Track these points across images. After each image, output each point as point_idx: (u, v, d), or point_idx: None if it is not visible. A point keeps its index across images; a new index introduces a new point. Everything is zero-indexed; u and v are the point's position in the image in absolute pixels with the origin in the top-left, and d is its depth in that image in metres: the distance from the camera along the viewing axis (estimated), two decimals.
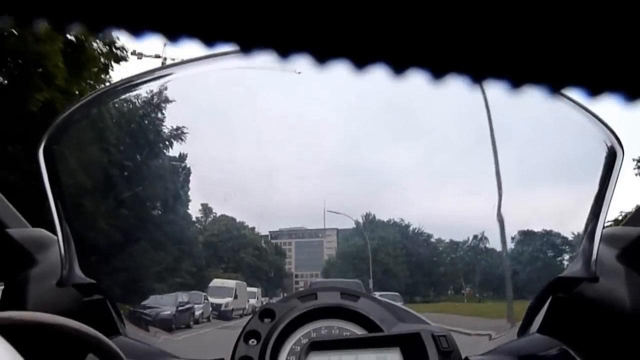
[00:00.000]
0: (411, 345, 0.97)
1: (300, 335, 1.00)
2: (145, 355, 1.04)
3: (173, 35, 0.20)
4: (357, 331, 1.02)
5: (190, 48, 0.21)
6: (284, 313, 1.02)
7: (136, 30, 0.20)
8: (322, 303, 1.05)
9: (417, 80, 0.21)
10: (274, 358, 0.95)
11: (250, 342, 0.97)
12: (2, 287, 1.00)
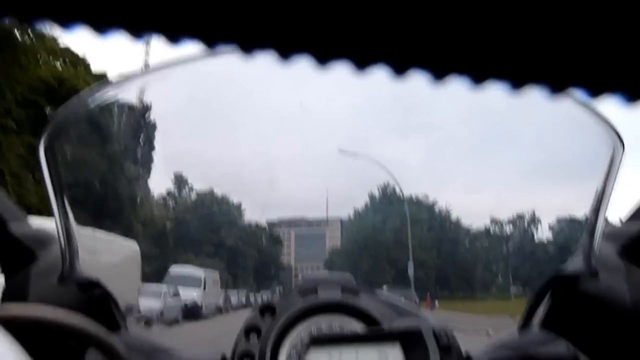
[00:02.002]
0: (412, 340, 0.97)
1: (300, 331, 1.01)
2: (147, 350, 1.04)
3: (174, 36, 0.20)
4: (358, 327, 1.02)
5: (191, 49, 0.21)
6: (284, 308, 1.02)
7: (137, 31, 0.20)
8: (323, 299, 1.05)
9: (422, 78, 0.22)
10: (274, 353, 0.96)
11: (250, 337, 0.98)
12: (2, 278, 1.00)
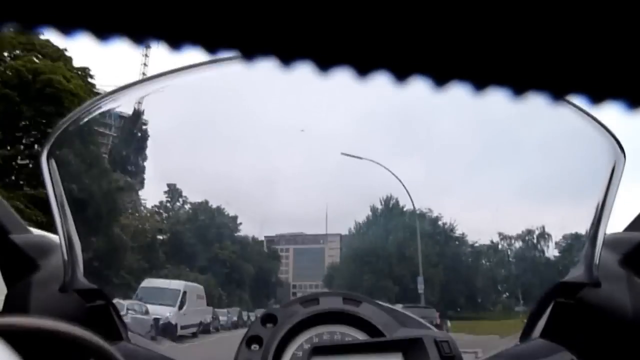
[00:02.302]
0: (413, 350, 0.96)
1: (302, 341, 1.00)
2: None
3: (176, 42, 0.20)
4: (360, 336, 1.02)
5: (193, 55, 0.21)
6: (286, 318, 1.02)
7: (140, 38, 0.20)
8: (324, 308, 1.04)
9: (423, 91, 0.22)
10: None
11: (252, 347, 0.97)
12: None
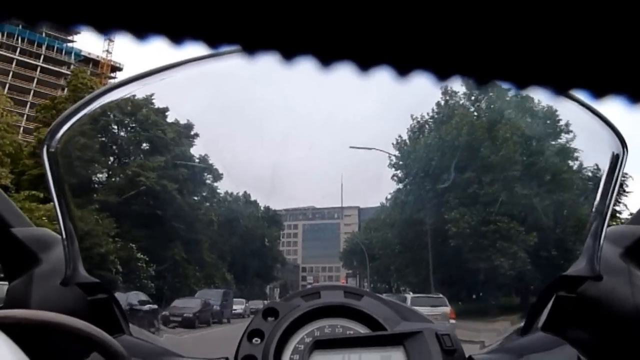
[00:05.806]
0: (415, 343, 0.97)
1: (303, 334, 1.01)
2: (149, 354, 1.04)
3: (177, 37, 0.20)
4: (361, 330, 1.02)
5: (194, 50, 0.21)
6: (288, 312, 1.02)
7: (141, 34, 0.20)
8: (326, 302, 1.05)
9: (426, 80, 0.21)
10: (277, 357, 0.95)
11: (254, 340, 0.97)
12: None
